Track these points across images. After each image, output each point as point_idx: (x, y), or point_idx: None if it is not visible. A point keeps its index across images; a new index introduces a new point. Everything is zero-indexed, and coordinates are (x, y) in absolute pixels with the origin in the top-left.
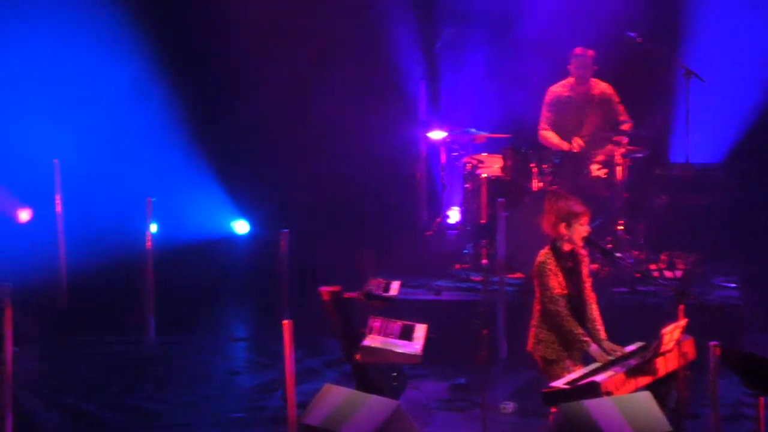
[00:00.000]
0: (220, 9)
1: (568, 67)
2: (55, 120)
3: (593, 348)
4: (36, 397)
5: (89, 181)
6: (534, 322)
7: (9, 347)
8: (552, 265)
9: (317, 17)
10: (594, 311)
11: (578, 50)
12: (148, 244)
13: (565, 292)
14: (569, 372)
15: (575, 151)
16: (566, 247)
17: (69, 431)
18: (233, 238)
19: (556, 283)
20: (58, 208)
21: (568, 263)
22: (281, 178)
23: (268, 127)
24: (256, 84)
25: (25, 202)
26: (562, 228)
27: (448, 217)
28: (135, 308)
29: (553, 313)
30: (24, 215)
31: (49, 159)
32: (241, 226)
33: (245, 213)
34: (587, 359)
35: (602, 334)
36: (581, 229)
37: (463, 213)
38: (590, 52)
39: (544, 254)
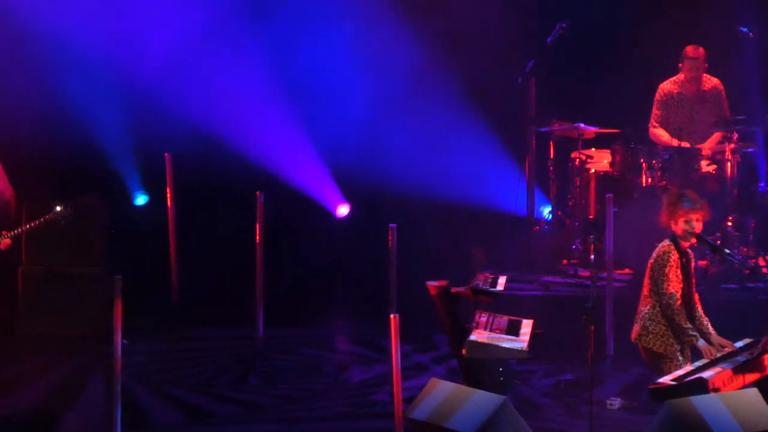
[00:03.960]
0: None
1: (680, 65)
2: (168, 115)
3: (701, 343)
4: (146, 389)
5: (200, 175)
6: (643, 313)
7: (118, 339)
8: (675, 257)
9: (426, 14)
10: (699, 308)
11: (690, 51)
12: (258, 237)
13: (681, 285)
14: (677, 366)
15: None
16: (684, 243)
17: (178, 423)
18: (336, 222)
19: (675, 275)
20: (169, 202)
21: (683, 259)
22: (390, 169)
23: (379, 121)
24: (368, 81)
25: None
26: (679, 223)
27: (555, 212)
28: (245, 302)
29: (666, 305)
30: (140, 199)
31: (161, 152)
32: (342, 209)
33: (351, 199)
34: (695, 355)
35: (711, 329)
36: (695, 225)
37: (570, 208)
38: (701, 51)
39: (666, 246)
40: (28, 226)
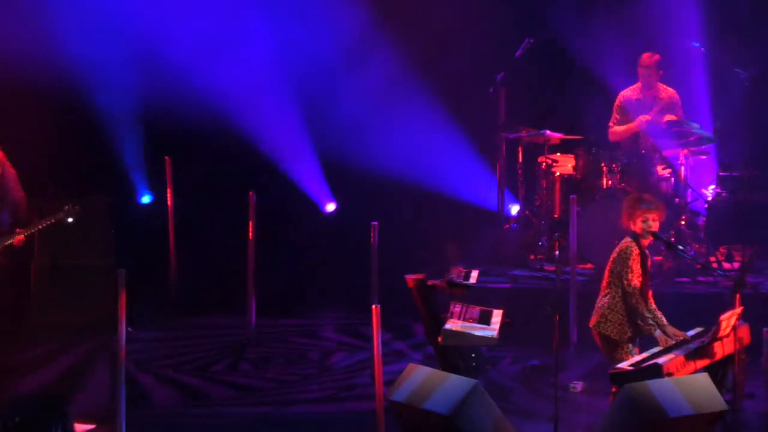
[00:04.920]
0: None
1: (638, 70)
2: (169, 120)
3: (657, 333)
4: (148, 373)
5: (199, 176)
6: (603, 303)
7: (123, 327)
8: (637, 251)
9: (408, 28)
10: (653, 302)
11: (645, 56)
12: (250, 234)
13: (641, 279)
14: (629, 353)
15: (642, 129)
16: (643, 241)
17: (177, 404)
18: (324, 218)
19: (637, 268)
20: (169, 201)
21: (642, 256)
22: (375, 170)
23: (366, 128)
24: (356, 87)
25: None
26: (637, 223)
27: (523, 211)
28: (238, 293)
29: (631, 295)
30: (145, 198)
31: (163, 155)
32: (330, 206)
33: (337, 196)
34: (644, 343)
35: (664, 320)
36: (652, 224)
37: (537, 208)
38: (656, 57)
39: (628, 242)
40: (39, 223)
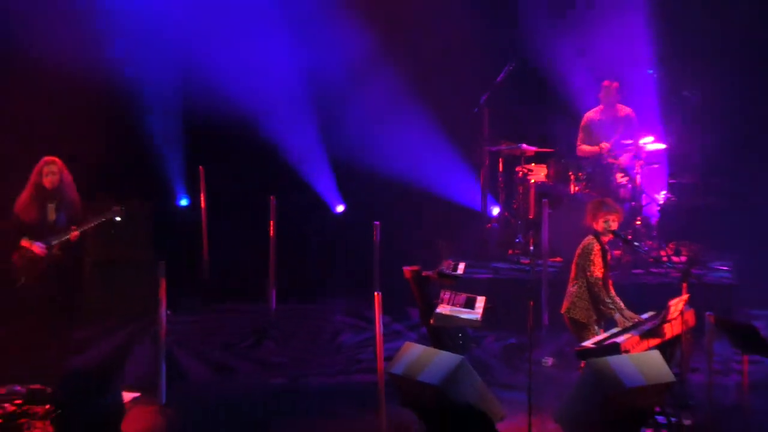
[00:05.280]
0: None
1: (599, 95)
2: (202, 134)
3: (617, 316)
4: (185, 350)
5: (228, 182)
6: (572, 292)
7: (163, 311)
8: (598, 247)
9: (408, 56)
10: (612, 290)
11: (605, 83)
12: (271, 232)
13: (602, 271)
14: (595, 334)
15: (604, 153)
16: (604, 238)
17: (209, 377)
18: (334, 218)
19: (598, 261)
20: (203, 204)
21: (603, 251)
22: (377, 175)
23: (371, 137)
24: (363, 105)
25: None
26: (599, 223)
27: (503, 212)
28: (261, 282)
29: (593, 284)
30: (183, 202)
31: (196, 165)
32: (339, 207)
33: (346, 199)
34: (608, 325)
35: (622, 305)
36: (612, 224)
37: (515, 210)
38: (615, 84)
39: (591, 239)
40: (92, 222)
